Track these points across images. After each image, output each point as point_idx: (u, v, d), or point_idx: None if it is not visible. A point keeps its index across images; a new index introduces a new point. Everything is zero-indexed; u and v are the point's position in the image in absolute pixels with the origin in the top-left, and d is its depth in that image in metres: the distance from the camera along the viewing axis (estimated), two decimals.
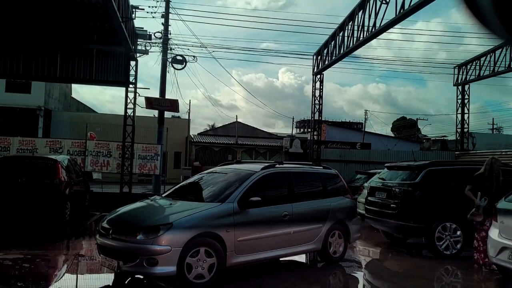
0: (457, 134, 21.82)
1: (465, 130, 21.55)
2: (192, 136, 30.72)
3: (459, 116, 21.42)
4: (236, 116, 46.99)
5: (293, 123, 46.00)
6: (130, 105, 14.99)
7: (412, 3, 10.77)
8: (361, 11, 13.91)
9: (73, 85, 32.35)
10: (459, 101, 21.37)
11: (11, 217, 9.76)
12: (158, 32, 17.15)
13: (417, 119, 45.60)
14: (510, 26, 1.13)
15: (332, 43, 17.24)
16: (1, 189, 9.82)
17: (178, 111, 22.05)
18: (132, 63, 14.89)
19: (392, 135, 44.01)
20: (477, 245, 6.86)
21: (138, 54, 15.19)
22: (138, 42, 15.22)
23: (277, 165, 6.88)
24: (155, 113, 20.60)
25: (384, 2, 12.20)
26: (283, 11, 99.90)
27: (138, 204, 6.43)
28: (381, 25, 12.42)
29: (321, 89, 19.97)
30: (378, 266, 8.13)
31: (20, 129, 20.58)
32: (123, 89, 15.00)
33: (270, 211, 6.21)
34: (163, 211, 5.99)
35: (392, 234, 9.34)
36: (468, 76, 20.55)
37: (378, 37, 14.21)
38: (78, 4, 12.41)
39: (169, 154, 24.40)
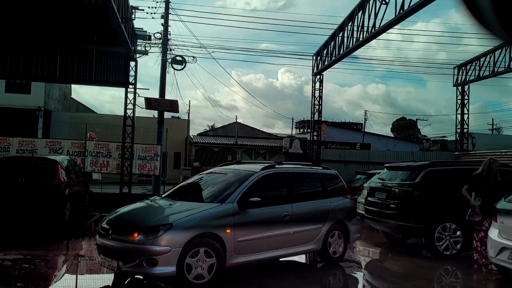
0: (457, 135, 21.83)
1: (465, 130, 21.56)
2: (192, 137, 30.73)
3: (459, 116, 21.43)
4: (236, 116, 47.10)
5: (292, 124, 46.11)
6: (130, 106, 14.99)
7: (411, 4, 10.77)
8: (360, 12, 13.92)
9: (73, 86, 32.41)
10: (459, 101, 21.38)
11: (11, 217, 9.76)
12: (158, 32, 17.17)
13: (416, 119, 45.75)
14: (509, 27, 1.13)
15: (332, 43, 17.25)
16: (1, 189, 9.82)
17: (178, 112, 22.12)
18: (132, 63, 14.89)
19: (392, 135, 44.05)
20: (476, 245, 6.87)
21: (137, 55, 15.20)
22: (137, 43, 15.23)
23: (277, 166, 6.88)
24: (154, 113, 20.63)
25: (383, 2, 12.21)
26: (282, 11, 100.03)
27: (137, 205, 6.43)
28: (381, 25, 12.42)
29: (320, 90, 19.98)
30: (378, 266, 8.14)
31: (20, 130, 20.61)
32: (123, 89, 15.01)
33: (269, 211, 6.21)
34: (163, 211, 5.99)
35: (392, 234, 9.34)
36: (467, 77, 20.56)
37: (377, 38, 14.24)
38: (78, 4, 12.41)
39: (169, 154, 24.39)
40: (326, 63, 18.29)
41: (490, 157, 7.60)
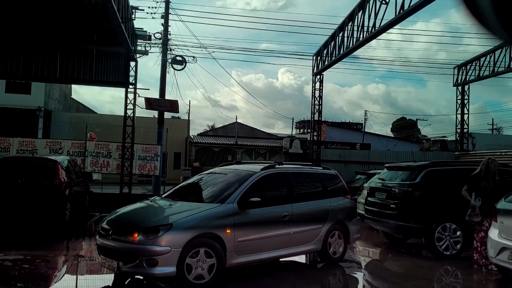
0: (457, 135, 21.83)
1: (465, 130, 21.56)
2: (192, 137, 30.73)
3: (459, 116, 21.44)
4: (236, 116, 47.11)
5: (292, 124, 46.13)
6: (130, 106, 15.00)
7: (411, 4, 10.77)
8: (360, 12, 13.92)
9: (73, 86, 32.41)
10: (459, 101, 21.38)
11: (11, 217, 9.76)
12: (158, 32, 17.17)
13: (417, 119, 45.72)
14: (509, 27, 1.13)
15: (332, 43, 17.25)
16: (1, 189, 9.82)
17: (178, 112, 22.12)
18: (132, 63, 14.89)
19: (392, 135, 44.04)
20: (476, 245, 6.87)
21: (138, 55, 15.20)
22: (138, 43, 15.23)
23: (277, 166, 6.88)
24: (155, 113, 20.62)
25: (383, 2, 12.21)
26: (282, 11, 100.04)
27: (138, 205, 6.43)
28: (381, 25, 12.42)
29: (321, 90, 19.98)
30: (378, 266, 8.13)
31: (20, 130, 20.61)
32: (123, 89, 15.01)
33: (270, 211, 6.21)
34: (163, 211, 5.98)
35: (392, 234, 9.34)
36: (468, 77, 20.57)
37: (378, 38, 14.26)
38: (78, 4, 12.42)
39: (169, 154, 24.40)
40: (326, 63, 18.29)
41: (488, 157, 7.61)
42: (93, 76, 14.79)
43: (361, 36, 13.86)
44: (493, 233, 6.11)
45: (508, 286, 6.32)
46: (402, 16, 11.37)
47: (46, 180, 10.12)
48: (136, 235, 5.18)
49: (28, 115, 24.46)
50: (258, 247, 5.97)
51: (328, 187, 7.31)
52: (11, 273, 6.22)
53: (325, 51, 18.36)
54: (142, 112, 21.12)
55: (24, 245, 8.08)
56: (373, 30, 12.94)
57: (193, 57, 18.45)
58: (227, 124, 38.64)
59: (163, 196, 6.77)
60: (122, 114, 15.09)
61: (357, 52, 16.94)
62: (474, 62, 20.00)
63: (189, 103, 35.00)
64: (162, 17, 17.53)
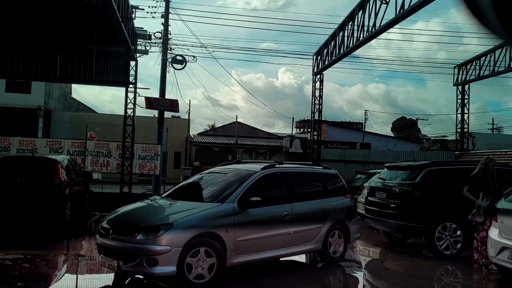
0: (457, 134, 21.82)
1: (465, 130, 21.55)
2: (192, 136, 30.72)
3: (459, 116, 21.43)
4: (236, 116, 47.11)
5: (293, 123, 46.05)
6: (130, 105, 14.99)
7: (412, 3, 10.76)
8: (361, 11, 13.91)
9: (73, 85, 32.39)
10: (459, 101, 21.37)
11: (11, 217, 9.76)
12: (158, 32, 17.18)
13: (417, 119, 45.66)
14: (509, 26, 1.13)
15: (332, 43, 17.24)
16: (1, 189, 9.82)
17: (178, 111, 22.07)
18: (132, 63, 14.89)
19: (392, 135, 44.03)
20: (477, 245, 6.86)
21: (138, 54, 15.19)
22: (138, 42, 15.22)
23: (277, 165, 6.87)
24: (155, 113, 20.62)
25: (384, 2, 12.20)
26: (282, 11, 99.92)
27: (138, 204, 6.43)
28: (381, 25, 12.41)
29: (321, 89, 19.97)
30: (378, 266, 8.13)
31: (20, 129, 20.59)
32: (123, 89, 15.01)
33: (270, 211, 6.21)
34: (163, 211, 5.99)
35: (392, 234, 9.34)
36: (468, 76, 20.55)
37: (378, 37, 14.23)
38: (78, 4, 12.41)
39: (169, 154, 24.40)
40: (326, 62, 18.28)
41: (487, 156, 7.60)
42: (93, 76, 14.79)
43: (361, 35, 13.85)
44: (493, 233, 6.11)
45: (508, 285, 6.32)
46: (402, 15, 11.36)
47: (46, 179, 10.12)
48: (136, 234, 5.18)
49: (28, 115, 24.45)
50: (258, 247, 5.97)
51: (328, 186, 7.31)
52: (11, 272, 6.22)
53: (325, 51, 18.35)
54: (142, 111, 21.12)
55: (24, 244, 8.08)
56: (373, 30, 12.93)
57: (193, 56, 18.49)
58: (227, 123, 38.62)
59: (163, 195, 6.77)
60: (122, 113, 15.09)
61: (357, 52, 16.98)
62: (474, 62, 19.98)
63: (189, 102, 35.08)
64: (162, 16, 17.53)
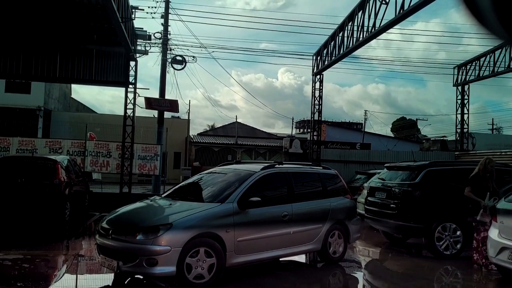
0: (457, 135, 21.82)
1: (465, 130, 21.55)
2: (192, 136, 30.73)
3: (459, 116, 21.43)
4: (236, 116, 47.13)
5: (292, 123, 46.08)
6: (130, 106, 14.99)
7: (411, 4, 10.77)
8: (360, 12, 13.91)
9: (73, 86, 32.40)
10: (459, 101, 21.38)
11: (11, 217, 9.76)
12: (158, 32, 17.15)
13: (416, 119, 45.75)
14: (509, 27, 1.13)
15: (332, 43, 17.24)
16: (1, 189, 9.82)
17: (178, 112, 22.09)
18: (132, 63, 14.89)
19: (392, 135, 44.07)
20: (477, 245, 6.86)
21: (137, 55, 15.18)
22: (137, 43, 15.21)
23: (277, 165, 6.88)
24: (154, 113, 20.63)
25: (383, 2, 12.20)
26: (282, 11, 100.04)
27: (137, 205, 6.43)
28: (381, 25, 12.41)
29: (320, 89, 19.97)
30: (378, 266, 8.13)
31: (20, 130, 20.63)
32: (123, 89, 15.00)
33: (269, 211, 6.21)
34: (163, 211, 5.98)
35: (392, 234, 9.34)
36: (467, 77, 20.55)
37: (378, 38, 14.22)
38: (77, 4, 12.42)
39: (169, 154, 24.39)
40: (326, 63, 18.28)
41: (486, 157, 7.60)
42: (93, 76, 14.78)
43: (361, 36, 13.85)
44: (493, 233, 6.11)
45: (508, 286, 6.33)
46: (402, 16, 11.36)
47: (46, 179, 10.11)
48: (136, 234, 5.18)
49: (28, 115, 24.45)
50: (258, 247, 5.97)
51: (328, 187, 7.31)
52: (11, 272, 6.22)
53: (325, 51, 18.35)
54: (142, 111, 21.08)
55: (24, 244, 8.08)
56: (373, 30, 12.93)
57: (193, 56, 18.46)
58: (227, 123, 38.66)
59: (163, 195, 6.77)
60: (122, 113, 15.09)
61: (357, 52, 16.97)
62: (474, 62, 19.99)
63: (189, 102, 35.05)
64: (162, 17, 17.52)
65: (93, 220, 11.51)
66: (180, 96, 71.52)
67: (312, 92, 20.19)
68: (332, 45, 17.27)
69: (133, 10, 13.92)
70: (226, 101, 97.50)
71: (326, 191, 7.21)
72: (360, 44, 14.22)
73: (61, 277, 6.52)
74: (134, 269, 5.12)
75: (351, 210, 7.54)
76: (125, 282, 5.71)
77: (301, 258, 7.51)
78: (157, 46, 17.32)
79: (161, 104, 17.06)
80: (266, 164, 6.88)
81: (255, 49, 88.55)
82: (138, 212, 6.07)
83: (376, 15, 12.65)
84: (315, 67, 19.79)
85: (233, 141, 30.29)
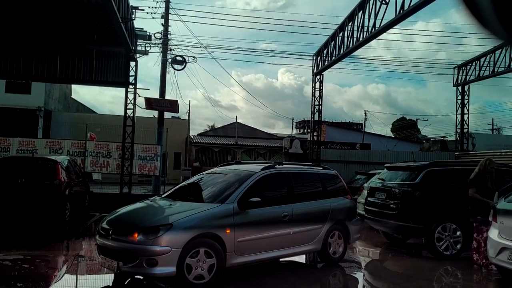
0: (457, 135, 21.83)
1: (465, 130, 21.56)
2: (192, 137, 30.73)
3: (459, 116, 21.43)
4: (236, 116, 47.09)
5: (292, 124, 46.09)
6: (130, 106, 14.99)
7: (412, 4, 10.77)
8: (360, 12, 13.92)
9: (73, 86, 32.40)
10: (459, 101, 21.38)
11: (11, 217, 9.76)
12: (158, 32, 17.15)
13: (416, 119, 45.75)
14: (509, 27, 1.13)
15: (332, 43, 17.24)
16: (1, 189, 9.82)
17: (178, 112, 22.10)
18: (132, 63, 14.89)
19: (392, 135, 44.04)
20: (477, 245, 6.86)
21: (138, 55, 15.19)
22: (138, 43, 15.22)
23: (277, 166, 6.88)
24: (155, 113, 20.62)
25: (384, 2, 12.20)
26: (282, 11, 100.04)
27: (137, 205, 6.43)
28: (381, 25, 12.42)
29: (321, 90, 19.97)
30: (378, 266, 8.13)
31: (20, 130, 20.60)
32: (123, 89, 15.01)
33: (270, 211, 6.21)
34: (163, 211, 5.98)
35: (392, 234, 9.34)
36: (468, 77, 20.56)
37: (378, 38, 14.24)
38: (78, 4, 12.42)
39: (169, 154, 24.39)
40: (326, 63, 18.29)
41: (487, 157, 7.60)
42: (93, 76, 14.79)
43: (361, 36, 13.85)
44: (493, 233, 6.11)
45: (508, 286, 6.32)
46: (402, 16, 11.36)
47: (46, 180, 10.12)
48: (136, 235, 5.18)
49: (28, 115, 24.45)
50: (258, 247, 5.97)
51: (328, 187, 7.31)
52: (11, 273, 6.22)
53: (325, 51, 18.36)
54: (142, 112, 21.17)
55: (24, 245, 8.08)
56: (373, 30, 12.94)
57: (193, 57, 18.45)
58: (227, 124, 38.64)
59: (163, 196, 6.77)
60: (122, 114, 15.09)
61: (357, 52, 16.95)
62: (474, 62, 19.99)
63: (189, 103, 34.99)
64: (162, 17, 17.52)
65: (93, 220, 11.51)
66: (180, 96, 71.64)
67: (312, 92, 20.20)
68: (332, 45, 17.28)
69: (133, 10, 13.93)
70: (226, 102, 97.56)
71: (326, 191, 7.21)
72: (360, 44, 14.22)
73: (61, 278, 6.52)
74: (134, 269, 5.12)
75: (351, 211, 7.53)
76: (125, 283, 5.71)
77: (301, 259, 7.51)
78: (157, 46, 17.34)
79: (161, 104, 17.06)
80: (266, 165, 6.87)
81: (255, 49, 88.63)
82: (138, 213, 6.07)
83: (376, 15, 12.66)
84: (315, 67, 19.80)
85: (233, 141, 30.29)
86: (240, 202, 5.78)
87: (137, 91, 15.05)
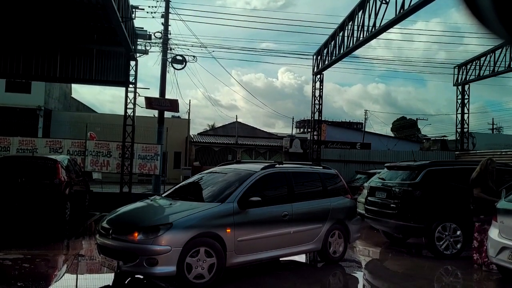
0: (457, 134, 21.83)
1: (465, 130, 21.55)
2: (192, 136, 30.71)
3: (459, 116, 21.43)
4: (236, 116, 47.09)
5: (293, 123, 46.01)
6: (130, 105, 14.99)
7: (412, 3, 10.77)
8: (361, 11, 13.91)
9: (73, 85, 32.37)
10: (459, 101, 21.38)
11: (11, 217, 9.76)
12: (158, 32, 17.17)
13: (417, 119, 45.66)
14: (510, 26, 1.13)
15: (332, 43, 17.24)
16: (1, 189, 9.82)
17: (178, 111, 22.07)
18: (132, 63, 14.89)
19: (392, 135, 44.04)
20: (477, 245, 6.86)
21: (138, 54, 15.19)
22: (138, 42, 15.22)
23: (277, 165, 6.88)
24: (155, 113, 20.62)
25: (384, 2, 12.20)
26: (282, 11, 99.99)
27: (138, 204, 6.43)
28: (381, 25, 12.42)
29: (321, 89, 19.97)
30: (378, 266, 8.13)
31: (20, 129, 20.60)
32: (123, 89, 15.01)
33: (270, 211, 6.21)
34: (163, 211, 5.99)
35: (392, 234, 9.34)
36: (468, 76, 20.56)
37: (378, 37, 14.23)
38: (78, 4, 12.42)
39: (169, 154, 24.38)
40: (326, 62, 18.28)
41: (488, 157, 7.59)
42: (93, 76, 14.79)
43: (361, 35, 13.85)
44: (493, 233, 6.11)
45: (508, 286, 6.32)
46: (402, 15, 11.36)
47: (46, 179, 10.12)
48: (136, 234, 5.18)
49: (28, 114, 24.44)
50: (258, 247, 5.97)
51: (328, 186, 7.31)
52: (11, 272, 6.22)
53: (325, 51, 18.35)
54: (142, 111, 21.06)
55: (24, 244, 8.08)
56: (373, 30, 12.93)
57: (193, 56, 18.47)
58: (227, 123, 38.61)
59: (163, 195, 6.77)
60: (122, 113, 15.09)
61: (357, 52, 17.00)
62: (474, 62, 19.99)
63: (189, 102, 35.07)
64: (162, 16, 17.52)
65: (93, 219, 11.51)
66: (180, 95, 71.51)
67: (312, 91, 20.20)
68: (332, 45, 17.27)
69: (133, 10, 13.92)
70: (226, 101, 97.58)
71: (326, 190, 7.21)
72: (360, 43, 14.22)
73: (61, 277, 6.53)
74: (134, 269, 5.12)
75: (351, 210, 7.53)
76: (125, 282, 5.71)
77: (301, 258, 7.52)
78: (157, 45, 17.36)
79: (161, 103, 17.06)
80: (266, 164, 6.88)
81: (255, 48, 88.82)
82: (138, 212, 6.07)
83: (376, 14, 12.66)
84: (315, 67, 19.79)
85: (233, 140, 30.27)
86: (240, 201, 5.78)
87: (137, 90, 15.07)
